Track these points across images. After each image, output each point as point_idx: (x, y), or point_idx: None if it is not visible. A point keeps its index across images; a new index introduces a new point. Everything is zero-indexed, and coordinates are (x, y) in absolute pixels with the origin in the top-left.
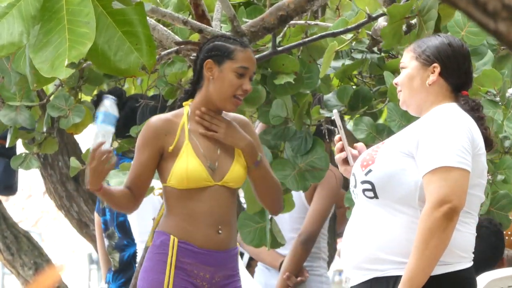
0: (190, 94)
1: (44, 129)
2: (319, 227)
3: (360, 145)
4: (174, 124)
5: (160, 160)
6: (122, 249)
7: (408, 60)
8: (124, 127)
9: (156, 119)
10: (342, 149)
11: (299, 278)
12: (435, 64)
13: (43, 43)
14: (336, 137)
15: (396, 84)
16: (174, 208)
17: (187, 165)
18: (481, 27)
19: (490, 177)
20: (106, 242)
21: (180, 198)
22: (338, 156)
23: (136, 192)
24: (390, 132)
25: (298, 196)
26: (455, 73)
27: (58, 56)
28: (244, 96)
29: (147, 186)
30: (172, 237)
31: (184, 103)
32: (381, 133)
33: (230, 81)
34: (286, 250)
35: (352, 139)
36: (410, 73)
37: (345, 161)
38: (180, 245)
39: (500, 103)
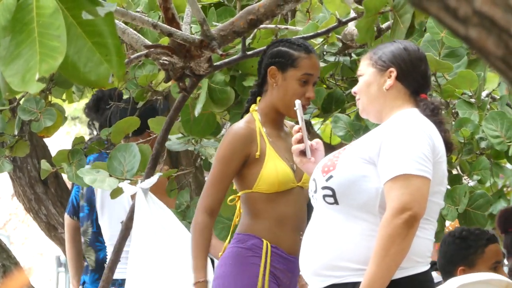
0: (255, 96)
1: (16, 133)
2: None
3: (316, 141)
4: (253, 131)
5: (242, 168)
6: (96, 246)
7: (365, 67)
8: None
9: (238, 128)
10: (300, 141)
11: None
12: (391, 69)
13: (14, 55)
14: (296, 127)
15: (354, 93)
16: (263, 213)
17: (276, 168)
18: (452, 33)
19: (466, 177)
20: (82, 240)
21: (269, 202)
22: (295, 147)
23: (216, 211)
24: (366, 131)
25: None
26: (411, 76)
27: (28, 69)
28: (309, 104)
29: (223, 198)
30: (265, 241)
31: (251, 109)
32: (357, 132)
33: (294, 89)
34: None
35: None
36: (367, 80)
37: (302, 152)
38: (272, 250)
39: (475, 105)
